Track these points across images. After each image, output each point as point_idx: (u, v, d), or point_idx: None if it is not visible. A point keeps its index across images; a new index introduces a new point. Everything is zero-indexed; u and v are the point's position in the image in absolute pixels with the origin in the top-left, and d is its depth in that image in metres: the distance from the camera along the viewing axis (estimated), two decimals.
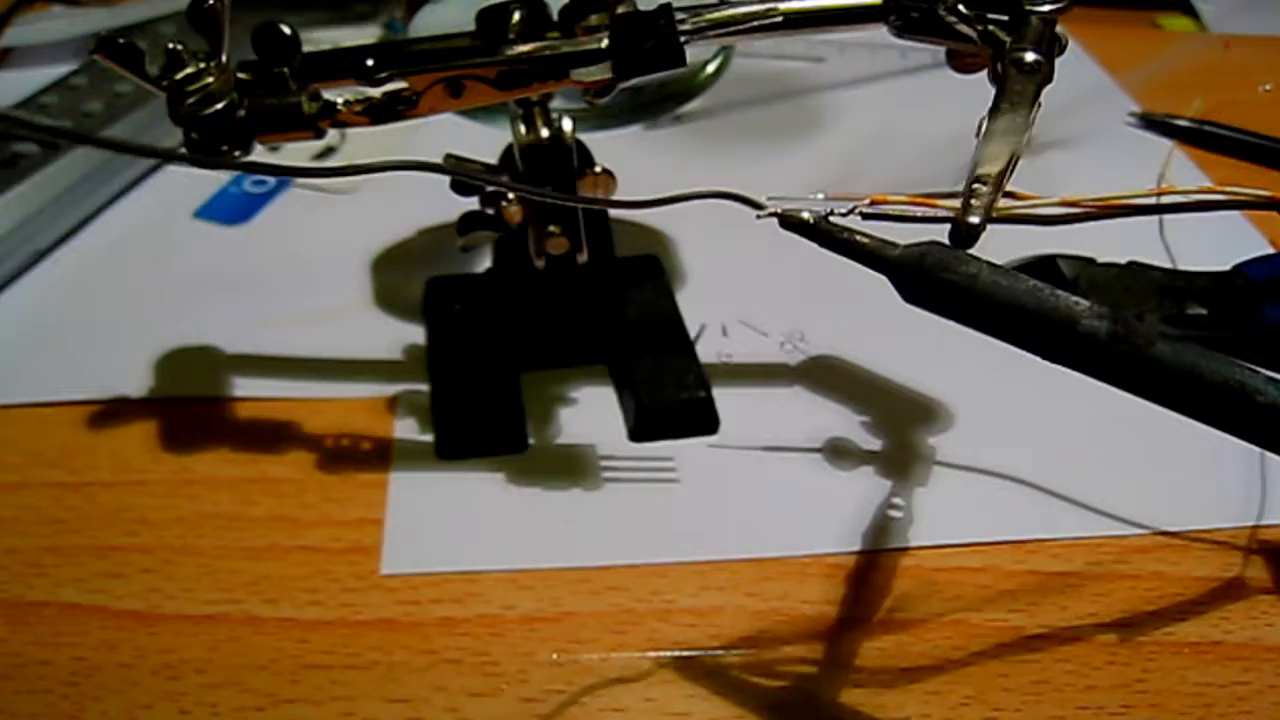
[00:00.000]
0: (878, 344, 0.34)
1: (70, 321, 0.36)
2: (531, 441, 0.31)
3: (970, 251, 0.19)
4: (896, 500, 0.29)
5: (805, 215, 0.21)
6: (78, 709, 0.25)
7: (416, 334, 0.35)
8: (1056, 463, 0.30)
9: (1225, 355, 0.19)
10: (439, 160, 0.30)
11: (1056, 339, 0.19)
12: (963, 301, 0.19)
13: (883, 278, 0.20)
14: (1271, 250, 0.38)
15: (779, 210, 0.21)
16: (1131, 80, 0.50)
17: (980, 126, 0.21)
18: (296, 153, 0.43)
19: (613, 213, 0.32)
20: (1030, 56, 0.22)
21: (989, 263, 0.19)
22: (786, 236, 0.21)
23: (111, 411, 0.32)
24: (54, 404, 0.33)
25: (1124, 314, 0.19)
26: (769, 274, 0.37)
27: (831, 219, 0.21)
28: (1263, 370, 0.19)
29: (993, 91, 0.22)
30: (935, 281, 0.19)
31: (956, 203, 0.19)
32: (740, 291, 0.36)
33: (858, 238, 0.20)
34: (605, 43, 0.25)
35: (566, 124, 0.29)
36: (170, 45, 0.25)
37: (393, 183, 0.42)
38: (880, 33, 0.26)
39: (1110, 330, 0.19)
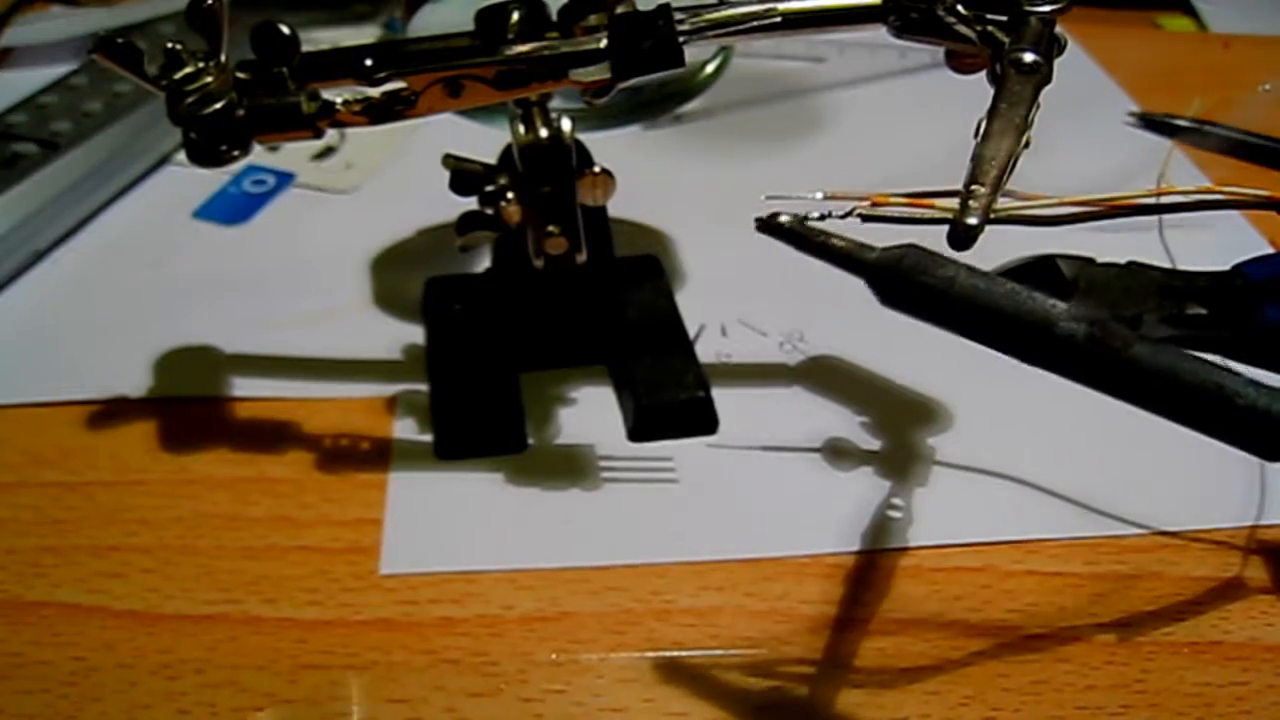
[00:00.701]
0: (878, 344, 0.34)
1: (69, 322, 0.36)
2: (531, 441, 0.31)
3: (952, 255, 0.19)
4: (895, 500, 0.29)
5: (782, 218, 0.20)
6: (77, 709, 0.25)
7: (416, 334, 0.35)
8: (1055, 463, 0.30)
9: (1206, 358, 0.19)
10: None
11: (1034, 342, 0.19)
12: (940, 305, 0.19)
13: None
14: (1271, 250, 0.38)
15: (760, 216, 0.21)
16: (1131, 80, 0.50)
17: (979, 127, 0.21)
18: (296, 152, 0.43)
19: (612, 212, 0.32)
20: (1029, 57, 0.22)
21: (967, 266, 0.19)
22: None
23: (111, 411, 0.32)
24: (53, 404, 0.33)
25: (1102, 317, 0.19)
26: (769, 274, 0.36)
27: (809, 221, 0.20)
28: (1243, 372, 0.19)
29: (992, 91, 0.22)
30: (912, 284, 0.19)
31: (955, 203, 0.19)
32: (740, 291, 0.36)
33: (833, 240, 0.20)
34: (604, 43, 0.25)
35: (566, 124, 0.29)
36: (169, 45, 0.25)
37: (392, 183, 0.43)
38: (880, 33, 0.26)
39: (1087, 333, 0.19)
